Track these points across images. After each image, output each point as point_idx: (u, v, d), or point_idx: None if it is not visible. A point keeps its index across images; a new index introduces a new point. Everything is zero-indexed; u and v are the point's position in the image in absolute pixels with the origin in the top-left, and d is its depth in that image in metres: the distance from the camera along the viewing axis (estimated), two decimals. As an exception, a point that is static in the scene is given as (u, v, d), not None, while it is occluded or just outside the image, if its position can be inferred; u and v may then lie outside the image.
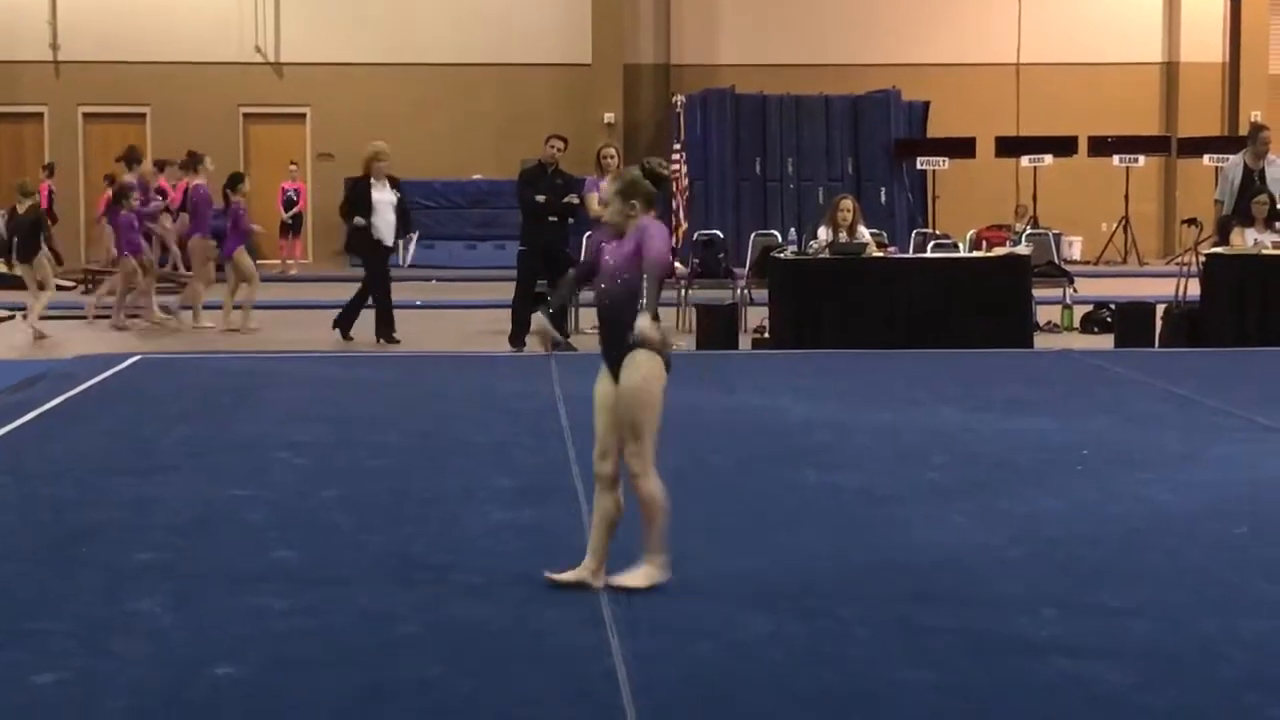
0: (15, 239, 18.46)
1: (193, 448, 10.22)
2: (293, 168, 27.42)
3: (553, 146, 15.93)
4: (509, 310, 15.85)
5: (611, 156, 15.85)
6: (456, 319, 18.76)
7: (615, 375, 6.82)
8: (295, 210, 27.33)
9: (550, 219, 15.62)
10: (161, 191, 21.86)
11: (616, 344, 6.84)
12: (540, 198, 15.58)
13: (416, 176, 27.44)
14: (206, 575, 7.00)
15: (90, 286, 22.85)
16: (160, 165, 22.63)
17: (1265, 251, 16.06)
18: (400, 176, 27.47)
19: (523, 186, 15.91)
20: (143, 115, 28.40)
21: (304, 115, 28.57)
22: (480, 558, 7.29)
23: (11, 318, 19.11)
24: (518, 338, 15.60)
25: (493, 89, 28.10)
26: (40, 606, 6.53)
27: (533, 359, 14.83)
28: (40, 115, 28.44)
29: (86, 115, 28.45)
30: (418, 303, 20.70)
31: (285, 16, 28.29)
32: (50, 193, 25.25)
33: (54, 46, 28.04)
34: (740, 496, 8.68)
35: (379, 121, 27.93)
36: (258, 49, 28.15)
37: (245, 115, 28.51)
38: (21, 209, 18.49)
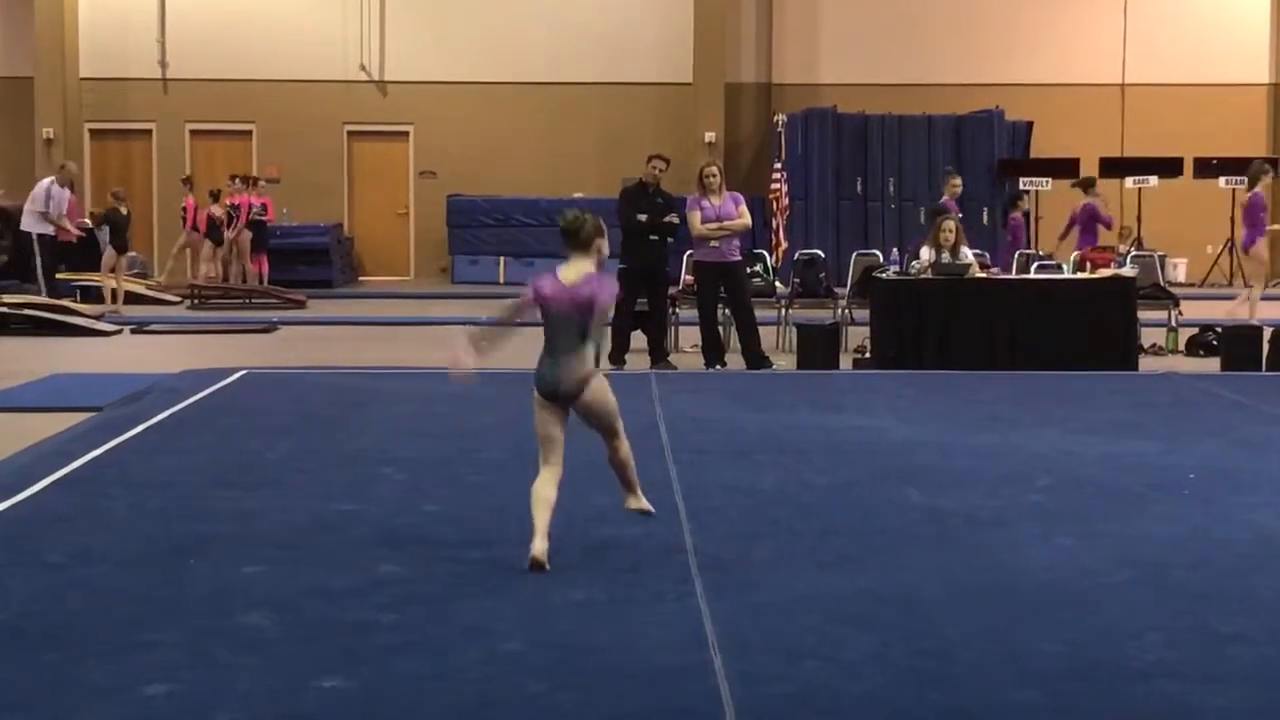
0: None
1: (297, 462, 10.33)
2: (232, 183, 25.66)
3: (654, 166, 15.97)
4: (609, 328, 15.88)
5: (714, 175, 15.85)
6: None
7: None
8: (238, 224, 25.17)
9: (651, 238, 15.65)
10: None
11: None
12: (641, 216, 15.61)
13: (518, 194, 27.66)
14: (312, 588, 7.07)
15: (198, 302, 23.18)
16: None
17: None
18: (502, 194, 27.71)
19: (624, 205, 15.94)
20: (249, 132, 28.75)
21: (407, 133, 28.82)
22: (582, 574, 7.31)
23: (120, 332, 19.41)
24: (617, 355, 15.63)
25: (594, 107, 28.23)
26: (150, 618, 6.61)
27: (633, 376, 14.86)
28: (149, 132, 28.87)
29: (194, 132, 28.84)
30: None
31: (390, 35, 28.57)
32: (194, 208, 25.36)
33: (163, 64, 28.47)
34: (844, 517, 8.66)
35: (481, 139, 28.20)
36: (362, 67, 28.45)
37: (349, 133, 28.80)
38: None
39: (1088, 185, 20.40)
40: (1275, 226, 19.55)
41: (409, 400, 13.26)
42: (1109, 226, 20.38)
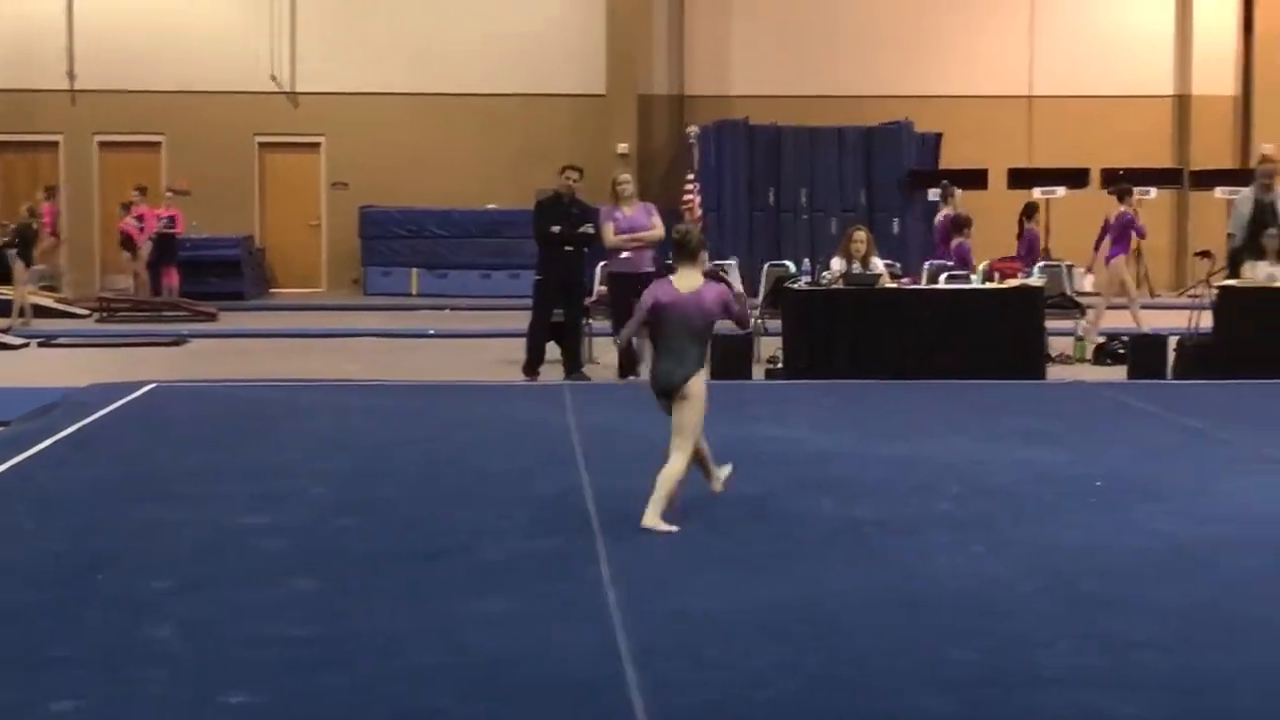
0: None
1: (208, 475, 10.25)
2: (168, 195, 25.57)
3: (568, 177, 15.95)
4: (524, 340, 15.87)
5: (627, 186, 15.89)
6: (471, 348, 18.80)
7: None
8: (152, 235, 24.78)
9: (566, 249, 15.64)
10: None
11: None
12: (556, 228, 15.60)
13: (432, 205, 27.57)
14: (223, 603, 7.02)
15: (107, 315, 22.96)
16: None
17: (1277, 284, 16.07)
18: (415, 205, 27.63)
19: (538, 216, 15.93)
20: (158, 144, 28.51)
21: (319, 144, 28.67)
22: (498, 586, 7.30)
23: (27, 345, 19.19)
24: (532, 367, 15.62)
25: (508, 119, 28.18)
26: (58, 634, 6.55)
27: (546, 388, 14.87)
28: (56, 144, 28.55)
29: (102, 144, 28.55)
30: (431, 331, 20.77)
31: (301, 45, 28.40)
32: (54, 215, 25.28)
33: (70, 75, 28.16)
34: (758, 527, 8.69)
35: (394, 150, 28.08)
36: (273, 78, 28.26)
37: (261, 144, 28.61)
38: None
39: (1124, 194, 20.28)
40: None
41: (322, 413, 13.19)
42: (1143, 236, 20.30)
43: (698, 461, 8.82)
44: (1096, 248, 20.63)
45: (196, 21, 28.19)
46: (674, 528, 8.36)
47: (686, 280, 8.64)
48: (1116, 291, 19.47)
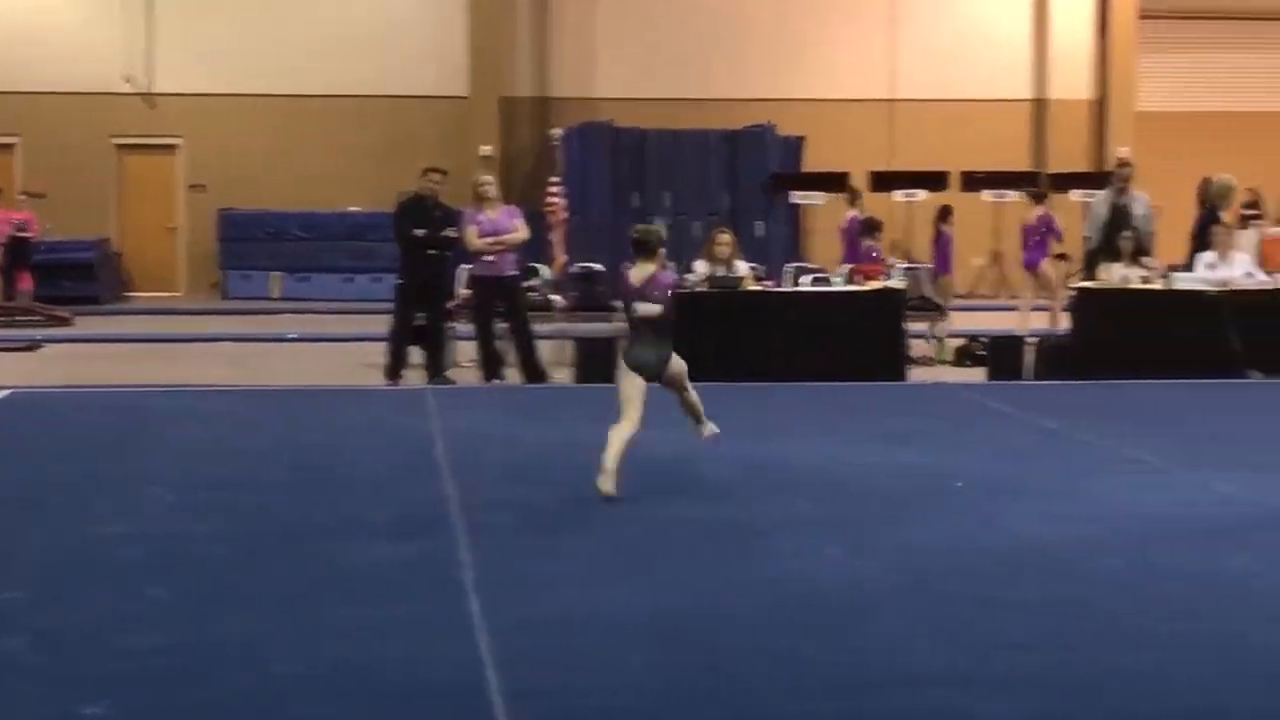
0: None
1: (63, 484, 10.05)
2: (21, 198, 25.05)
3: (431, 179, 15.84)
4: (386, 344, 15.73)
5: (489, 188, 15.82)
6: (333, 352, 18.62)
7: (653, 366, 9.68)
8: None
9: (428, 252, 15.53)
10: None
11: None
12: (419, 231, 15.48)
13: (292, 208, 27.29)
14: (78, 613, 6.88)
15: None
16: None
17: (1131, 285, 16.34)
18: (274, 208, 27.32)
19: (400, 219, 15.80)
20: (12, 145, 27.97)
21: (177, 146, 28.29)
22: (360, 593, 7.23)
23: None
24: (394, 371, 15.50)
25: (369, 121, 27.97)
26: (-95, 647, 6.39)
27: (410, 392, 14.77)
28: (-95, 145, 27.95)
29: (-46, 146, 27.98)
30: (292, 336, 20.56)
31: (159, 47, 28.00)
32: None
33: (-81, 74, 27.57)
34: (619, 531, 8.68)
35: (254, 152, 27.76)
36: (129, 79, 27.83)
37: (117, 146, 28.17)
38: None
39: (1040, 196, 20.38)
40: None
41: (180, 419, 13.00)
42: (1060, 238, 20.39)
43: (689, 411, 9.99)
44: (1025, 249, 20.84)
45: (52, 22, 27.71)
46: (716, 430, 10.12)
47: (640, 273, 9.69)
48: (1045, 293, 19.67)
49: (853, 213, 21.31)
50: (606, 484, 9.26)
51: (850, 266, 18.33)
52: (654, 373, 9.71)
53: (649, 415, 13.11)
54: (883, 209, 23.38)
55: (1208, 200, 17.53)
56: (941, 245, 21.73)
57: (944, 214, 22.06)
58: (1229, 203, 17.81)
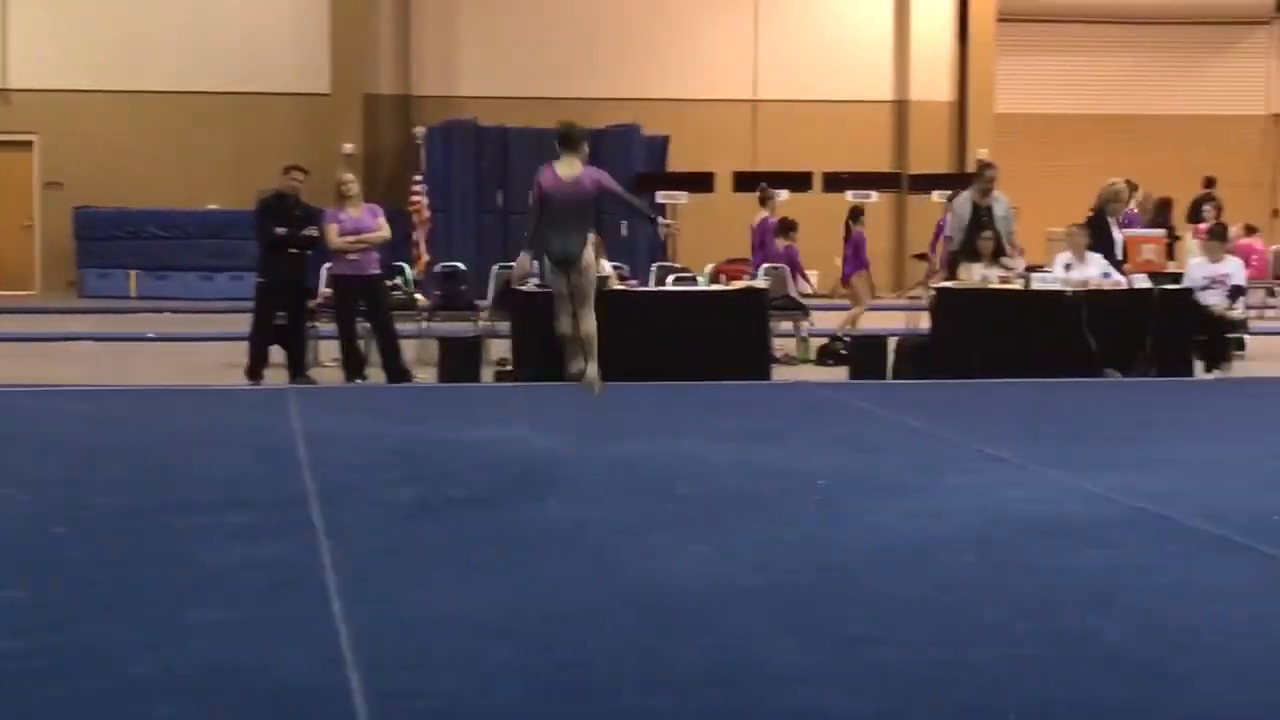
0: None
1: (-88, 485, 9.84)
2: None
3: (292, 176, 15.69)
4: (246, 343, 15.55)
5: (351, 184, 15.72)
6: (192, 352, 18.39)
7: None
8: None
9: (289, 250, 15.38)
10: None
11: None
12: (280, 230, 15.33)
13: (150, 206, 26.93)
14: (-73, 618, 6.73)
15: None
16: None
17: (991, 285, 16.55)
18: (132, 205, 26.95)
19: (261, 218, 15.64)
20: None
21: (32, 143, 27.80)
22: (218, 595, 7.13)
23: None
24: (255, 371, 15.33)
25: (228, 117, 27.67)
26: None
27: (269, 393, 14.62)
28: None
29: None
30: (150, 335, 20.28)
31: (12, 41, 27.53)
32: None
33: None
34: (483, 529, 8.64)
35: (111, 149, 27.37)
36: (-19, 74, 27.36)
37: (-30, 142, 27.67)
38: None
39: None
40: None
41: (34, 419, 12.78)
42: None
43: (583, 344, 10.76)
44: (933, 249, 21.00)
45: (-99, 14, 27.16)
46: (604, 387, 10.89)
47: (567, 168, 10.36)
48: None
49: (764, 213, 21.39)
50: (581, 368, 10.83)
51: (713, 265, 18.40)
52: (563, 258, 10.47)
53: (509, 416, 13.13)
54: (747, 209, 23.49)
55: (1099, 202, 17.74)
56: (855, 244, 21.98)
57: (855, 214, 22.29)
58: (1120, 206, 18.04)
